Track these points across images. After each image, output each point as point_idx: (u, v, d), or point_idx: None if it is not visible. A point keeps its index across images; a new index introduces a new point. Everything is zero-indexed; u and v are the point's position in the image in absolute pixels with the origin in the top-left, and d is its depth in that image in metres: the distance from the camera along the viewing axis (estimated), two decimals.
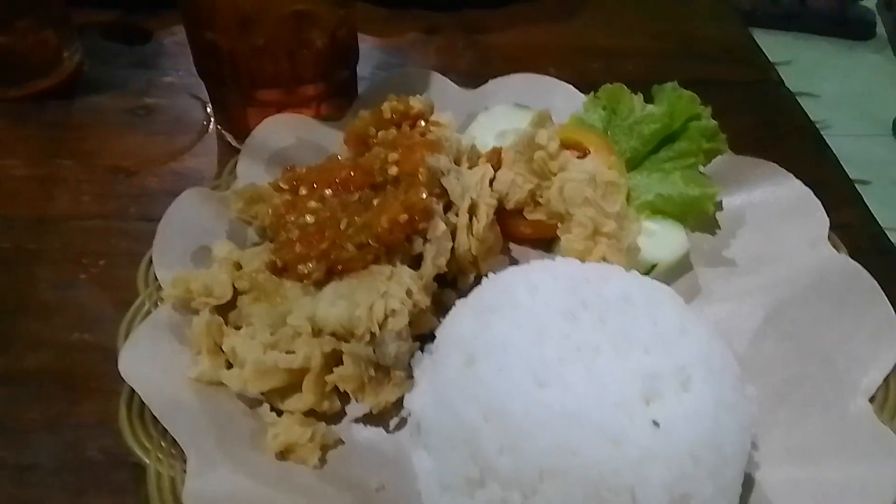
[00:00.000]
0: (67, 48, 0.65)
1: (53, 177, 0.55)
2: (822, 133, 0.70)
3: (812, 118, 0.70)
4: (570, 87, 0.58)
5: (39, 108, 0.62)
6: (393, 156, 0.43)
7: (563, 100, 0.57)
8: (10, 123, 0.60)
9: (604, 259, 0.40)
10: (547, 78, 0.58)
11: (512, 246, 0.48)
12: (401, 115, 0.46)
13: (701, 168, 0.50)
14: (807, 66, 2.10)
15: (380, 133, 0.46)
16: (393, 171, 0.42)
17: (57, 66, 0.64)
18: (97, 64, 0.67)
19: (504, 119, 0.55)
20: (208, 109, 0.61)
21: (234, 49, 0.51)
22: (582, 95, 0.57)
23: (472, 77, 0.68)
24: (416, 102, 0.47)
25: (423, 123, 0.47)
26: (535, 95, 0.57)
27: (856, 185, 0.59)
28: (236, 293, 0.41)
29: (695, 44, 0.73)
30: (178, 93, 0.64)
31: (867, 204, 0.57)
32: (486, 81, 0.59)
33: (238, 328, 0.40)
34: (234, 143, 0.57)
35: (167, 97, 0.63)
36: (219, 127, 0.59)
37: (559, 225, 0.44)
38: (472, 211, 0.43)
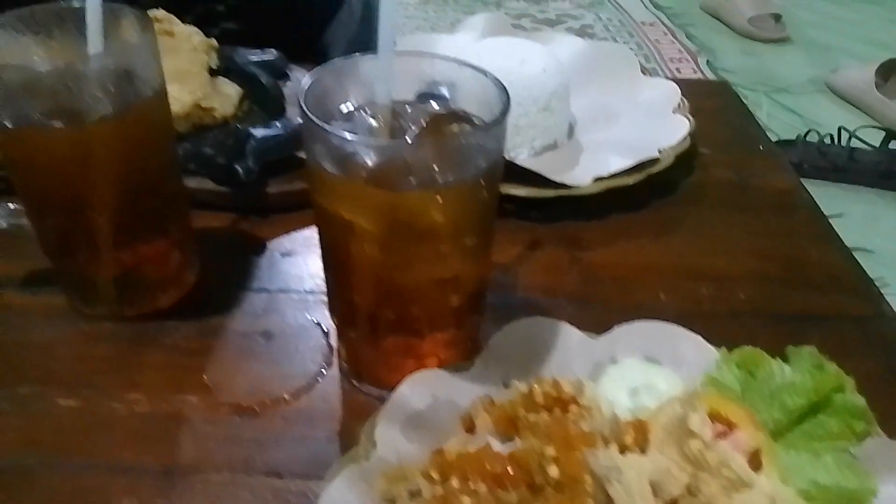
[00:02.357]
0: (188, 265, 0.67)
1: (178, 416, 0.55)
2: (881, 291, 0.69)
3: (870, 275, 0.69)
4: (699, 338, 0.57)
5: (159, 329, 0.62)
6: (550, 451, 0.42)
7: (693, 353, 0.56)
8: (130, 346, 0.61)
9: None
10: (673, 327, 0.58)
11: None
12: (552, 400, 0.46)
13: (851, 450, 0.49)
14: (858, 219, 2.11)
15: (531, 416, 0.46)
16: (553, 472, 0.41)
17: (176, 283, 0.66)
18: (213, 277, 0.68)
19: (635, 374, 0.54)
20: (330, 338, 0.62)
21: (374, 312, 0.51)
22: (711, 348, 0.56)
23: (581, 300, 0.68)
24: (567, 386, 0.47)
25: (573, 407, 0.46)
26: (664, 346, 0.56)
27: None
28: None
29: (800, 268, 0.73)
30: (297, 316, 0.64)
31: None
32: (610, 327, 0.58)
33: None
34: (357, 384, 0.57)
35: (286, 320, 0.64)
36: (344, 364, 0.59)
37: None
38: None
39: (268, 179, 0.77)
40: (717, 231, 0.78)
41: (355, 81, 0.51)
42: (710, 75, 2.79)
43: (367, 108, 0.51)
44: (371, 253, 0.48)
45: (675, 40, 3.04)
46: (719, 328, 0.64)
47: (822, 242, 0.77)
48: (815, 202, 0.84)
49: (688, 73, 2.79)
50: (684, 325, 0.63)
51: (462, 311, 0.53)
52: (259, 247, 0.73)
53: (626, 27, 3.14)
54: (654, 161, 0.80)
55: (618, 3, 3.35)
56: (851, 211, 2.11)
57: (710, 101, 1.03)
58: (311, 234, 0.75)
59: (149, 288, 0.64)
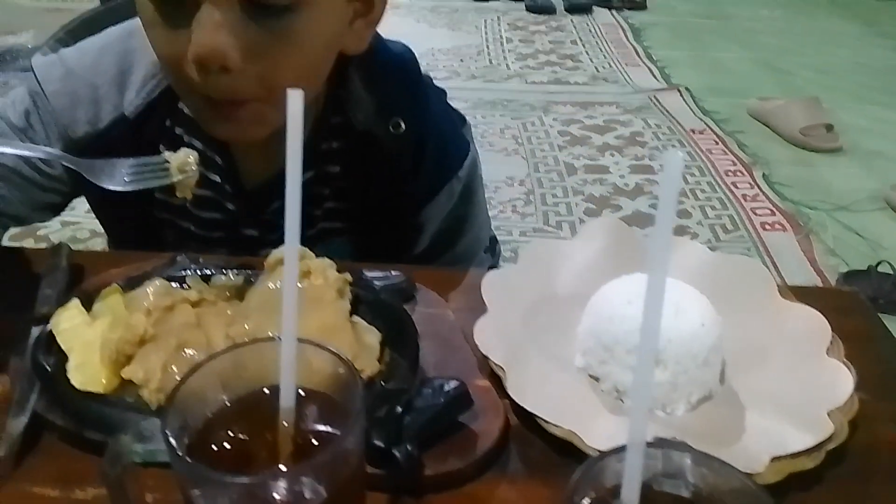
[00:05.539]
0: None
1: None
2: None
3: None
4: None
5: None
6: None
7: None
8: None
9: None
10: None
11: None
12: None
13: None
14: None
15: None
16: None
17: None
18: None
19: None
20: None
21: None
22: None
23: None
24: None
25: None
26: None
27: None
28: None
29: None
30: None
31: None
32: None
33: None
34: None
35: None
36: None
37: None
38: None
39: (422, 456, 0.72)
40: None
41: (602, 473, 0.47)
42: (768, 190, 2.77)
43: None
44: None
45: (726, 150, 3.03)
46: None
47: None
48: None
49: (745, 187, 2.77)
50: None
51: None
52: None
53: (677, 135, 3.14)
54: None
55: (664, 108, 3.36)
56: None
57: (846, 321, 0.97)
58: None
59: None
